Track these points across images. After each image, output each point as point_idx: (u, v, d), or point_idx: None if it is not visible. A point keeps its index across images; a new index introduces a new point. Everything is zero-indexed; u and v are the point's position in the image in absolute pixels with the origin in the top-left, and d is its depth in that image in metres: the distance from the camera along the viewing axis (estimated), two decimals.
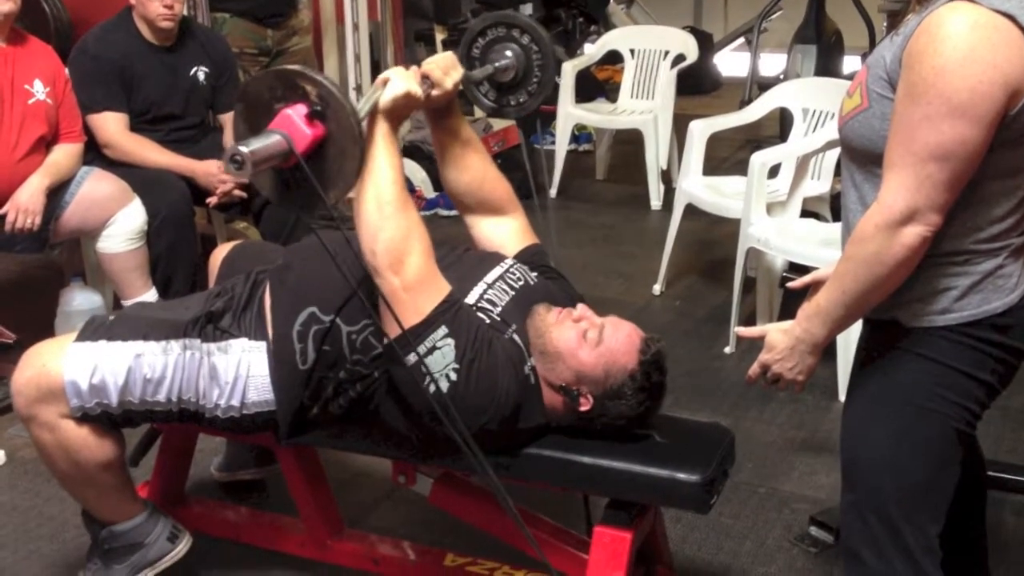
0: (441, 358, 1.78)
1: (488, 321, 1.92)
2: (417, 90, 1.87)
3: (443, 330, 1.79)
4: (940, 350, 1.57)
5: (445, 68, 1.97)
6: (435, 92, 1.96)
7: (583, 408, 1.91)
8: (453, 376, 1.79)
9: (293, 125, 1.64)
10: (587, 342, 1.90)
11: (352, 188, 1.74)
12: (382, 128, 1.83)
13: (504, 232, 2.18)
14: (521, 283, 2.06)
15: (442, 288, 1.83)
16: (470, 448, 1.71)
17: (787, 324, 1.71)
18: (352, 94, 4.98)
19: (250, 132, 1.68)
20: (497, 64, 2.23)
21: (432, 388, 1.78)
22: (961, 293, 1.55)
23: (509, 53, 2.23)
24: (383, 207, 1.79)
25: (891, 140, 1.49)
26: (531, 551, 1.94)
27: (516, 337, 1.93)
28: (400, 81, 1.85)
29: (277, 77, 1.68)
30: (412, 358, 1.78)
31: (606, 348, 1.90)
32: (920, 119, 1.44)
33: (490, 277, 2.03)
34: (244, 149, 1.59)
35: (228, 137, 3.69)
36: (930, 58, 1.43)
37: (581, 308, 1.97)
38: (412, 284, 1.79)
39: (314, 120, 1.65)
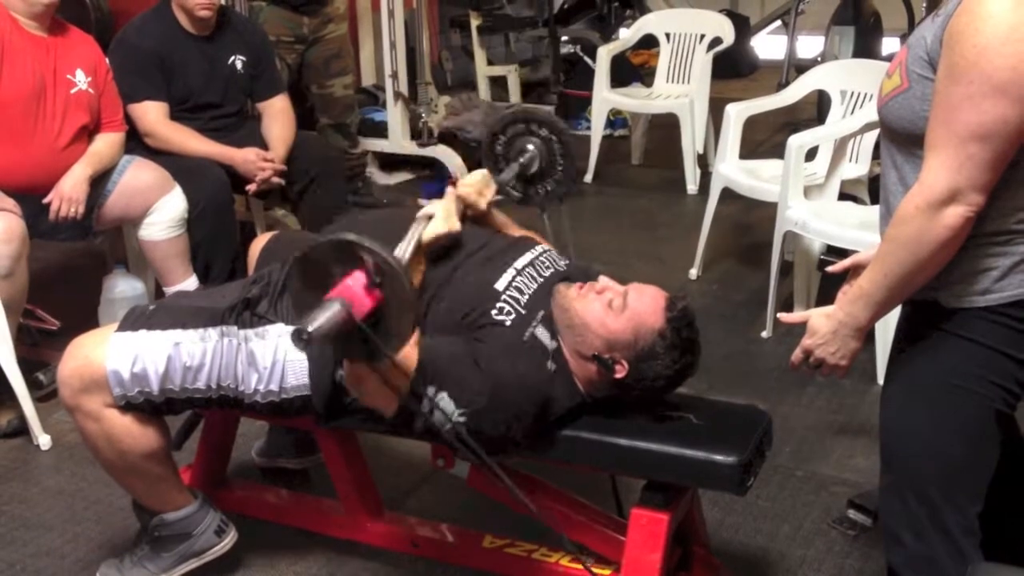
0: (447, 407, 1.82)
1: (513, 315, 1.94)
2: (457, 227, 2.02)
3: (431, 389, 1.82)
4: (980, 331, 1.56)
5: (479, 190, 2.13)
6: (470, 212, 2.10)
7: (619, 375, 1.92)
8: (463, 419, 1.82)
9: (354, 295, 1.64)
10: (612, 309, 1.92)
11: (408, 341, 1.74)
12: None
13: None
14: (551, 271, 2.07)
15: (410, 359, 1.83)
16: (490, 467, 1.77)
17: (830, 309, 1.70)
18: (388, 82, 4.98)
19: (306, 290, 1.68)
20: (521, 160, 2.33)
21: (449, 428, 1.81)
22: (1002, 273, 1.54)
23: (531, 147, 2.34)
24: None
25: (932, 120, 1.48)
26: (570, 533, 1.96)
27: (539, 330, 1.95)
28: (441, 221, 1.97)
29: (336, 247, 1.67)
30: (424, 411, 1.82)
31: (632, 312, 1.91)
32: (961, 99, 1.43)
33: (520, 263, 2.05)
34: (311, 328, 1.58)
35: (266, 125, 3.72)
36: (971, 37, 1.42)
37: (603, 280, 1.99)
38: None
39: (372, 289, 1.66)
